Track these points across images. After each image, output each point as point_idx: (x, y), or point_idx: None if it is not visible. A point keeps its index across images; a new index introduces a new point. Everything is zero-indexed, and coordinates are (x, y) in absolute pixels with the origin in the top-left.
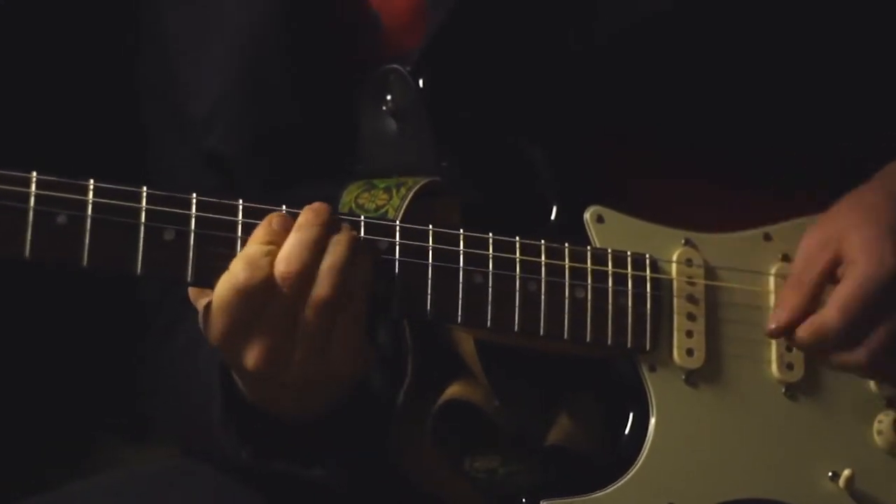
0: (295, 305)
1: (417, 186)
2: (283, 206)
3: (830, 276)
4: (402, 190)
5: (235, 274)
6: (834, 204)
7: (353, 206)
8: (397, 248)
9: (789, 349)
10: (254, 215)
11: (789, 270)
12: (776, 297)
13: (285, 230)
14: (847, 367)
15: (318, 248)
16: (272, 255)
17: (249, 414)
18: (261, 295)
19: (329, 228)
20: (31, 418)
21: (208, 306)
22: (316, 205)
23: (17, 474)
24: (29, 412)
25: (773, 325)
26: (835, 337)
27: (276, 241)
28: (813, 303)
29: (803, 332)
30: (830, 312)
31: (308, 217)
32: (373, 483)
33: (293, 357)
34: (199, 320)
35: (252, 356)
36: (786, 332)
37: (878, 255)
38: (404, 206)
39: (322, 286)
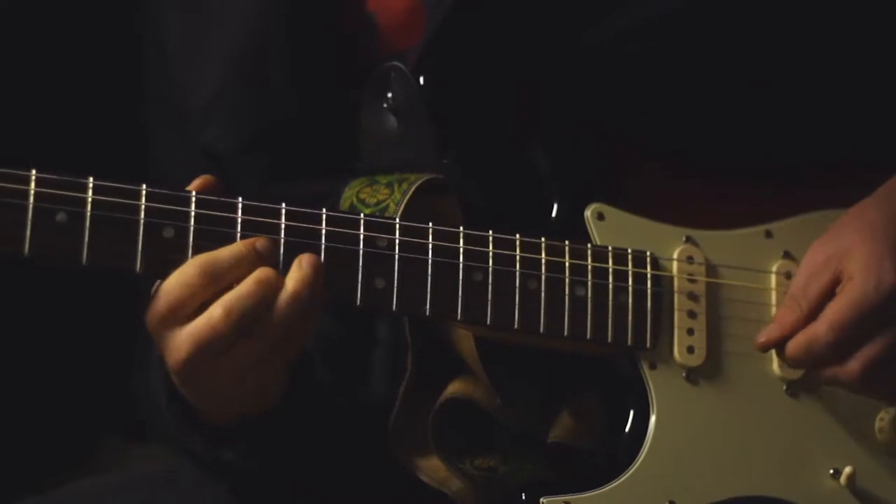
0: (262, 341)
1: (419, 182)
2: (283, 204)
3: (830, 295)
4: (404, 185)
5: (212, 316)
6: (836, 215)
7: (355, 200)
8: (397, 244)
9: None
10: (253, 213)
11: (792, 275)
12: (777, 294)
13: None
14: (838, 383)
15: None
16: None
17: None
18: (233, 336)
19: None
20: (31, 418)
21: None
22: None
23: (18, 474)
24: (30, 412)
25: (762, 339)
26: (824, 351)
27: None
28: (810, 320)
29: (793, 345)
30: (821, 326)
31: (268, 274)
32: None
33: (217, 379)
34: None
35: (217, 383)
36: (775, 347)
37: (877, 273)
38: (405, 201)
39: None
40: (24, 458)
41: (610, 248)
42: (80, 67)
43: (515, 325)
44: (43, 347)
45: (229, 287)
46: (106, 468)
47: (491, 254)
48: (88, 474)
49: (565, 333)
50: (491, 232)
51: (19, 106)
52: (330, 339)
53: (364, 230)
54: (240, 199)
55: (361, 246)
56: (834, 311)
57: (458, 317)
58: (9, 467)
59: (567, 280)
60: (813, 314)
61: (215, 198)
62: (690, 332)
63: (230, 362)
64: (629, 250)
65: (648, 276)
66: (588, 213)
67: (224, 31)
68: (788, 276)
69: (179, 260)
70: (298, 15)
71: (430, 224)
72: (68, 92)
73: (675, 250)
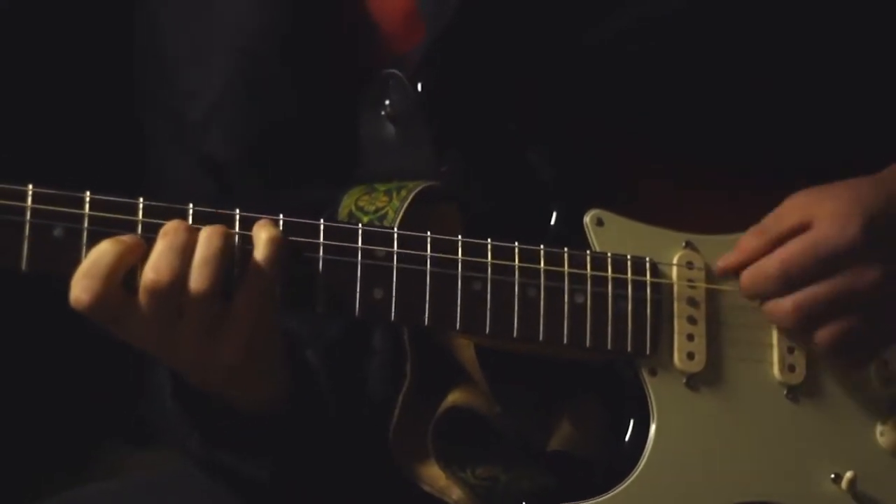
0: (166, 310)
1: (417, 189)
2: (281, 216)
3: (794, 236)
4: (403, 192)
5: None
6: None
7: (354, 208)
8: (395, 255)
9: (791, 351)
10: (251, 224)
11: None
12: None
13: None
14: (772, 316)
15: (188, 253)
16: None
17: (199, 402)
18: (116, 306)
19: (195, 232)
20: (34, 423)
21: None
22: (176, 219)
23: (20, 479)
24: (32, 417)
25: (720, 263)
26: (769, 284)
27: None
28: (768, 254)
29: (745, 273)
30: (771, 260)
31: (174, 223)
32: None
33: (179, 349)
34: None
35: (141, 344)
36: (732, 271)
37: (842, 224)
38: (404, 208)
39: (197, 280)
40: (23, 465)
41: (609, 255)
42: (78, 73)
43: (515, 334)
44: (42, 352)
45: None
46: (106, 474)
47: (489, 263)
48: (88, 481)
49: (565, 341)
50: (489, 240)
51: (17, 113)
52: (327, 347)
53: (362, 241)
54: (237, 210)
55: (360, 257)
56: (787, 248)
57: (458, 326)
58: (8, 474)
59: (566, 288)
60: (772, 248)
61: (212, 210)
62: (690, 337)
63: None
64: (628, 257)
65: (648, 282)
66: (587, 219)
67: (225, 36)
68: None
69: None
70: (299, 19)
71: (429, 233)
72: (65, 99)
73: (674, 255)
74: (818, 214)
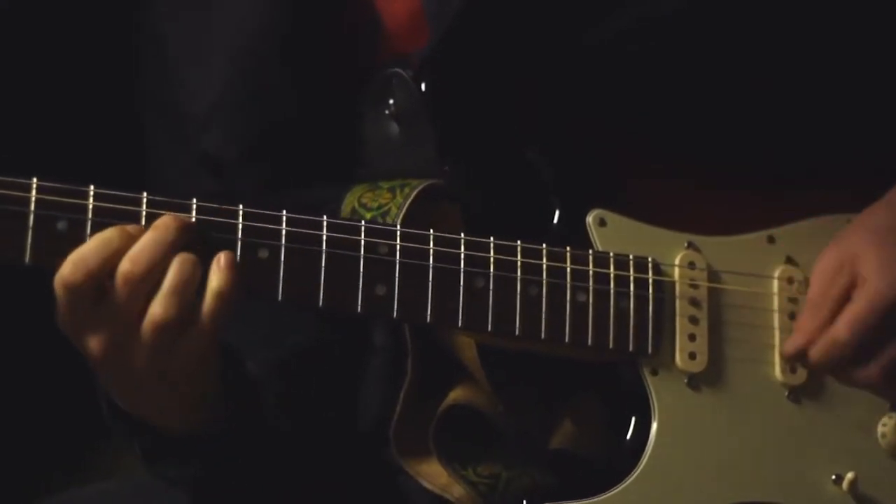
0: (131, 305)
1: (421, 186)
2: (284, 212)
3: (846, 299)
4: (406, 190)
5: (62, 268)
6: (839, 220)
7: (356, 204)
8: (398, 251)
9: None
10: (254, 219)
11: (794, 280)
12: (779, 299)
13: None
14: (860, 384)
15: (168, 253)
16: (99, 261)
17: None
18: (86, 292)
19: (186, 237)
20: (26, 425)
21: None
22: (176, 214)
23: (19, 479)
24: (25, 419)
25: (789, 349)
26: (845, 353)
27: (126, 245)
28: (830, 325)
29: (815, 350)
30: (840, 329)
31: (167, 219)
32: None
33: (133, 359)
34: None
35: (91, 345)
36: (802, 354)
37: (891, 273)
38: (407, 205)
39: (158, 305)
40: (21, 465)
41: (611, 254)
42: (79, 70)
43: (517, 332)
44: (38, 353)
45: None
46: (104, 475)
47: (492, 260)
48: (86, 481)
49: (567, 340)
50: (492, 238)
51: (19, 110)
52: (326, 345)
53: (365, 236)
54: (241, 206)
55: (362, 252)
56: (852, 312)
57: (460, 324)
58: (7, 473)
59: (568, 286)
60: (832, 318)
61: (216, 205)
62: (692, 337)
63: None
64: (631, 256)
65: (650, 281)
66: (590, 219)
67: (226, 34)
68: (791, 281)
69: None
70: (301, 16)
71: (431, 230)
72: (67, 96)
73: (676, 256)
74: (863, 272)
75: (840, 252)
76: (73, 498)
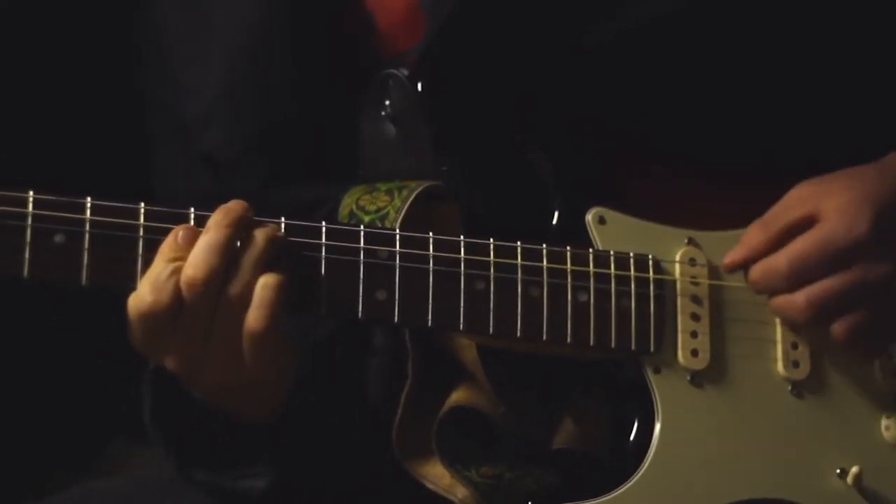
0: (206, 310)
1: (419, 189)
2: (283, 219)
3: (800, 230)
4: (404, 192)
5: (142, 297)
6: None
7: (355, 207)
8: (398, 255)
9: (795, 347)
10: (253, 226)
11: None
12: None
13: (190, 244)
14: (783, 312)
15: (226, 252)
16: (178, 273)
17: (179, 421)
18: (167, 314)
19: (239, 229)
20: (36, 421)
21: None
22: (229, 203)
23: (22, 477)
24: (34, 415)
25: (727, 259)
26: (779, 280)
27: (183, 256)
28: (774, 247)
29: (753, 268)
30: (780, 256)
31: (217, 218)
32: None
33: (207, 363)
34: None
35: (169, 363)
36: (739, 267)
37: (850, 218)
38: (405, 208)
39: (231, 287)
40: (28, 461)
41: (612, 253)
42: (79, 70)
43: (518, 334)
44: (47, 349)
45: None
46: (111, 471)
47: (492, 262)
48: (93, 477)
49: (568, 340)
50: (492, 240)
51: (17, 112)
52: (326, 348)
53: (364, 241)
54: None
55: (362, 257)
56: (796, 244)
57: (461, 327)
58: (13, 470)
59: (569, 286)
60: (779, 242)
61: (212, 214)
62: (694, 334)
63: (220, 337)
64: (631, 254)
65: (651, 279)
66: (589, 217)
67: (224, 33)
68: None
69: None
70: (299, 15)
71: (431, 233)
72: (67, 95)
73: (677, 252)
74: (825, 208)
75: (813, 185)
76: (80, 494)
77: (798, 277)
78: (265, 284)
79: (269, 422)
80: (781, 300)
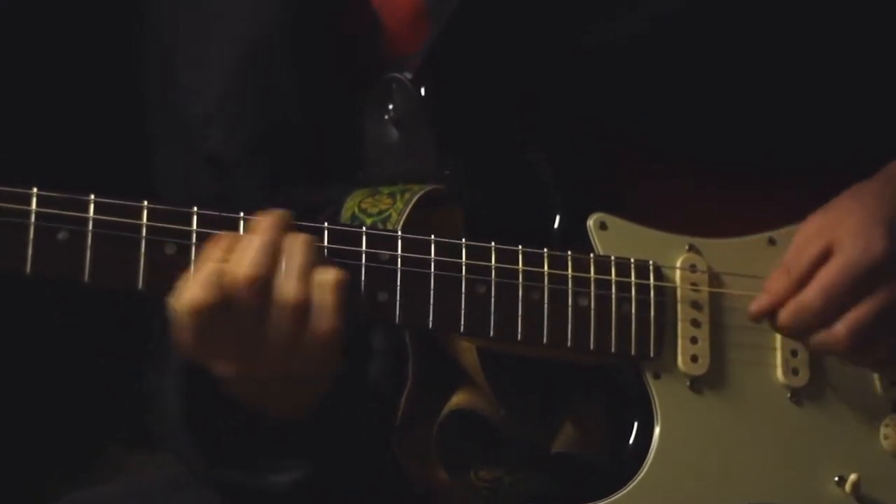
0: (257, 309)
1: (421, 192)
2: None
3: (821, 264)
4: (406, 195)
5: (192, 294)
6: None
7: (357, 210)
8: (399, 258)
9: (794, 354)
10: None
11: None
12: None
13: (234, 248)
14: (826, 347)
15: (275, 252)
16: (226, 274)
17: (210, 420)
18: (218, 310)
19: (285, 232)
20: (33, 426)
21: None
22: (276, 211)
23: (23, 482)
24: (31, 419)
25: (754, 308)
26: (814, 316)
27: (229, 258)
28: (801, 288)
29: (784, 313)
30: (809, 292)
31: (268, 220)
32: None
33: (259, 364)
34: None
35: (222, 364)
36: (767, 315)
37: (866, 240)
38: (407, 211)
39: (285, 289)
40: (25, 467)
41: (612, 258)
42: (81, 71)
43: (519, 337)
44: (45, 353)
45: None
46: (109, 476)
47: (493, 266)
48: (91, 483)
49: (569, 344)
50: (493, 243)
51: (20, 113)
52: None
53: (366, 244)
54: (241, 213)
55: (364, 260)
56: (822, 277)
57: (462, 330)
58: (10, 476)
59: (570, 291)
60: (803, 282)
61: (217, 213)
62: (694, 340)
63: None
64: (632, 260)
65: (651, 286)
66: (590, 222)
67: (227, 34)
68: None
69: (182, 277)
70: (302, 16)
71: (433, 236)
72: (69, 97)
73: (677, 259)
74: (838, 237)
75: (822, 218)
76: (78, 500)
77: (832, 310)
78: (323, 283)
79: (300, 419)
80: (822, 336)
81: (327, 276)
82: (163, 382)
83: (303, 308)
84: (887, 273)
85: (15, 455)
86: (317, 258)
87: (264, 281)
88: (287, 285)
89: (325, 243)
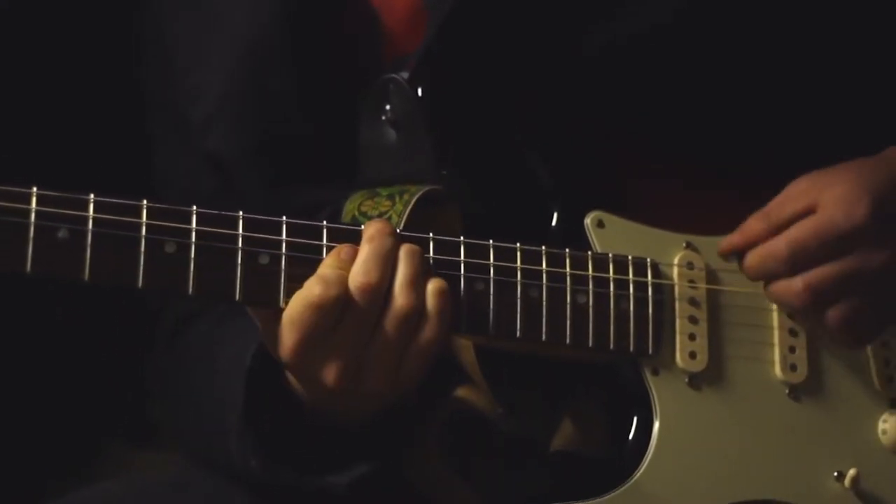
0: (369, 320)
1: (420, 193)
2: (284, 217)
3: (801, 219)
4: (405, 196)
5: (310, 289)
6: None
7: (357, 213)
8: None
9: (792, 350)
10: (254, 227)
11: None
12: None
13: (353, 259)
14: (781, 298)
15: (391, 259)
16: (345, 279)
17: (268, 423)
18: (335, 310)
19: (398, 240)
20: (36, 423)
21: (273, 322)
22: (379, 219)
23: (24, 480)
24: (34, 417)
25: (724, 245)
26: (777, 264)
27: (346, 269)
28: (773, 236)
29: (752, 255)
30: (780, 241)
31: (378, 227)
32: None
33: (365, 373)
34: (262, 336)
35: (327, 373)
36: (735, 253)
37: (849, 206)
38: (407, 212)
39: (401, 298)
40: (27, 465)
41: (610, 256)
42: (82, 71)
43: (518, 334)
44: (48, 351)
45: None
46: (110, 475)
47: (492, 264)
48: (91, 481)
49: (567, 341)
50: (491, 242)
51: (20, 113)
52: None
53: None
54: (241, 213)
55: None
56: (795, 229)
57: (461, 328)
58: (12, 474)
59: (568, 288)
60: (778, 232)
61: (216, 212)
62: (692, 337)
63: (381, 347)
64: (629, 258)
65: (649, 283)
66: (588, 220)
67: (227, 34)
68: None
69: (181, 275)
70: (302, 16)
71: (431, 234)
72: (69, 97)
73: (675, 256)
74: (824, 198)
75: (813, 178)
76: (80, 498)
77: (797, 262)
78: (435, 291)
79: (367, 422)
80: (780, 285)
81: (439, 285)
82: (206, 383)
83: (416, 316)
84: (861, 242)
85: (15, 453)
86: (426, 267)
87: (381, 289)
88: (403, 294)
89: (325, 241)
